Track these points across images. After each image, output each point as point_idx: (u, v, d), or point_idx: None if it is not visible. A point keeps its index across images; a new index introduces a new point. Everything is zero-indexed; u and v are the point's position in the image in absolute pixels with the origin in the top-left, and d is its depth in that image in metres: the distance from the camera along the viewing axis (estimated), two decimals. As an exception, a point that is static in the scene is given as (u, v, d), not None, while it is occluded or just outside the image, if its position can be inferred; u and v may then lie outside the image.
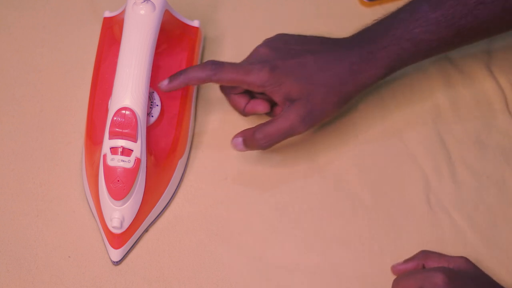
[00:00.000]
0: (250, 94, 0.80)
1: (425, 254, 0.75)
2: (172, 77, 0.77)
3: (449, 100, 0.86)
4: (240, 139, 0.77)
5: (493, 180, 0.82)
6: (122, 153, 0.72)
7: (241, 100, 0.80)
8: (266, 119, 0.78)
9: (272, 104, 0.80)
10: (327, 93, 0.76)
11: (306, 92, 0.75)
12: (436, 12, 0.75)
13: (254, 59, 0.77)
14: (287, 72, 0.75)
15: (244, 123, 0.84)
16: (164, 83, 0.77)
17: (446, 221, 0.79)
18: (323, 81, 0.75)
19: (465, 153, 0.83)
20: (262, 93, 0.79)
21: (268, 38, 0.80)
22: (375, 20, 0.79)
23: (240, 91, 0.79)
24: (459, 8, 0.75)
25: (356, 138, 0.83)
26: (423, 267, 0.74)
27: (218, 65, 0.76)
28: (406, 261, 0.75)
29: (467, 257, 0.73)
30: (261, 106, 0.79)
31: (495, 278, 0.75)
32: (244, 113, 0.80)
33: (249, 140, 0.77)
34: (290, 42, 0.78)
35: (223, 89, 0.81)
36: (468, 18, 0.75)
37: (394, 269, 0.76)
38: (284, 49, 0.77)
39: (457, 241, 0.78)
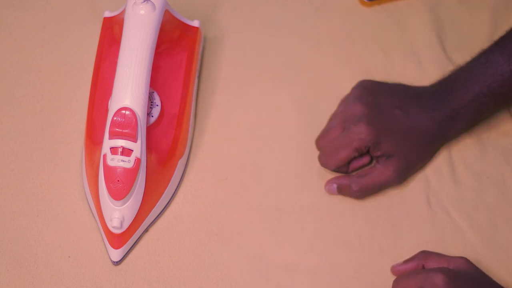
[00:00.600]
0: None
1: (425, 254, 0.75)
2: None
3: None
4: (334, 186, 0.79)
5: (493, 180, 0.82)
6: (122, 153, 0.72)
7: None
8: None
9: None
10: (420, 149, 0.80)
11: (402, 149, 0.78)
12: (511, 65, 0.77)
13: (352, 120, 0.79)
14: (384, 128, 0.78)
15: (245, 123, 0.84)
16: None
17: (446, 221, 0.79)
18: (416, 138, 0.79)
19: (465, 153, 0.83)
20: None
21: (355, 92, 0.81)
22: (451, 70, 0.81)
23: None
24: None
25: (356, 138, 0.84)
26: (423, 267, 0.74)
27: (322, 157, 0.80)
28: (406, 261, 0.75)
29: (467, 257, 0.73)
30: (366, 159, 0.81)
31: (495, 278, 0.75)
32: (348, 170, 0.81)
33: (344, 189, 0.79)
34: (379, 95, 0.80)
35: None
36: None
37: (394, 269, 0.76)
38: (376, 104, 0.79)
39: (457, 241, 0.78)
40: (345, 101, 0.82)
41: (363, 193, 0.79)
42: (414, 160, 0.80)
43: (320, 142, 0.81)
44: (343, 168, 0.80)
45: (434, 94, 0.80)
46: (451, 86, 0.80)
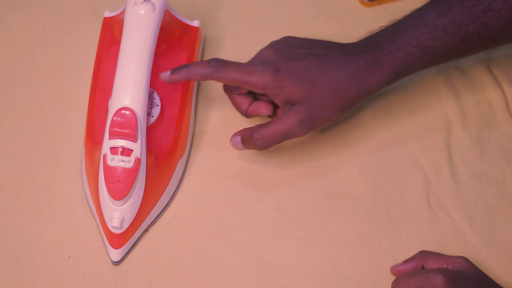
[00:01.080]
0: (253, 96, 0.80)
1: (424, 254, 0.75)
2: (174, 70, 0.76)
3: (449, 101, 0.86)
4: (238, 138, 0.77)
5: (493, 180, 0.82)
6: (122, 153, 0.72)
7: (244, 101, 0.79)
8: (267, 120, 0.78)
9: (275, 106, 0.80)
10: (329, 98, 0.75)
11: (307, 96, 0.75)
12: (444, 18, 0.75)
13: (258, 61, 0.77)
14: (290, 75, 0.75)
15: (244, 124, 0.84)
16: (166, 74, 0.76)
17: (446, 221, 0.79)
18: (325, 85, 0.75)
19: (465, 153, 0.83)
20: (264, 95, 0.78)
21: (274, 41, 0.80)
22: (381, 26, 0.79)
23: (243, 92, 0.79)
24: (466, 15, 0.75)
25: (357, 138, 0.83)
26: (422, 267, 0.74)
27: (221, 63, 0.76)
28: (405, 261, 0.75)
29: (467, 257, 0.73)
30: (264, 108, 0.79)
31: (494, 278, 0.75)
32: (246, 114, 0.80)
33: (247, 140, 0.77)
34: (295, 45, 0.78)
35: (226, 88, 0.80)
36: (475, 25, 0.75)
37: (393, 270, 0.76)
38: (289, 52, 0.77)
39: (457, 241, 0.78)
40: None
41: (265, 142, 0.76)
42: (321, 110, 0.75)
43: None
44: (242, 105, 0.79)
45: (357, 46, 0.77)
46: (378, 37, 0.77)
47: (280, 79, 0.74)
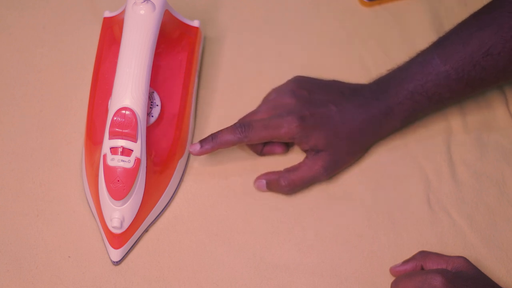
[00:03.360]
0: None
1: (423, 254, 0.75)
2: (203, 142, 0.78)
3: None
4: (263, 182, 0.79)
5: (493, 180, 0.82)
6: (122, 153, 0.72)
7: (259, 145, 0.81)
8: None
9: (287, 145, 0.82)
10: (350, 146, 0.80)
11: (331, 144, 0.78)
12: (446, 65, 0.77)
13: (281, 110, 0.78)
14: (315, 125, 0.78)
15: (244, 123, 0.84)
16: (196, 148, 0.78)
17: (446, 221, 0.79)
18: (347, 134, 0.79)
19: (465, 153, 0.83)
20: None
21: (289, 85, 0.81)
22: (389, 70, 0.81)
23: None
24: (468, 61, 0.77)
25: (356, 138, 0.84)
26: (422, 268, 0.74)
27: (248, 127, 0.77)
28: (405, 262, 0.75)
29: (467, 257, 0.73)
30: (278, 148, 0.81)
31: (494, 278, 0.75)
32: (261, 154, 0.82)
33: (273, 184, 0.79)
34: (313, 90, 0.80)
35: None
36: (476, 69, 0.77)
37: (392, 270, 0.76)
38: (309, 100, 0.79)
39: (457, 241, 0.78)
40: (277, 91, 0.82)
41: (292, 188, 0.79)
42: (343, 156, 0.80)
43: (245, 118, 0.80)
44: (257, 148, 0.81)
45: (369, 92, 0.81)
46: (386, 84, 0.80)
47: (307, 129, 0.77)
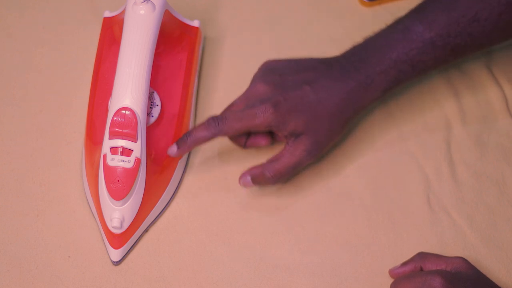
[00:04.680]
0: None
1: (422, 256, 0.75)
2: (179, 142, 0.76)
3: (449, 100, 0.86)
4: (248, 178, 0.77)
5: (493, 180, 0.82)
6: (122, 153, 0.72)
7: (241, 137, 0.80)
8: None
9: (272, 134, 0.80)
10: (330, 124, 0.77)
11: (310, 126, 0.76)
12: (431, 32, 0.76)
13: (254, 99, 0.77)
14: (290, 109, 0.75)
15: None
16: (174, 150, 0.76)
17: (446, 221, 0.79)
18: (324, 112, 0.76)
19: (465, 153, 0.83)
20: None
21: (260, 72, 0.79)
22: (365, 37, 0.79)
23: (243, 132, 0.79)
24: (453, 27, 0.75)
25: (357, 138, 0.83)
26: (421, 269, 0.74)
27: (221, 120, 0.76)
28: (403, 264, 0.75)
29: (466, 257, 0.73)
30: (263, 140, 0.80)
31: (494, 278, 0.75)
32: (245, 147, 0.81)
33: (259, 178, 0.77)
34: (284, 72, 0.78)
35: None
36: (462, 36, 0.76)
37: (391, 272, 0.76)
38: (281, 82, 0.77)
39: (457, 241, 0.78)
40: (251, 81, 0.80)
41: (278, 177, 0.77)
42: (324, 136, 0.77)
43: (223, 112, 0.78)
44: (240, 141, 0.79)
45: (346, 62, 0.78)
46: (365, 52, 0.78)
47: (282, 115, 0.75)
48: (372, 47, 0.78)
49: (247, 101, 0.77)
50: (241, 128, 0.76)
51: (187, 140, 0.76)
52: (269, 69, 0.79)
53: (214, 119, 0.76)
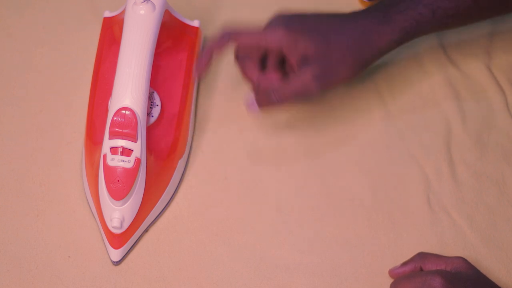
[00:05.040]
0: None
1: (422, 256, 0.75)
2: (198, 60, 0.76)
3: (449, 101, 0.86)
4: (253, 101, 0.76)
5: (493, 180, 0.82)
6: (122, 153, 0.72)
7: (254, 70, 0.78)
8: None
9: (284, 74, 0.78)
10: (343, 55, 0.75)
11: (322, 52, 0.74)
12: None
13: (268, 24, 0.76)
14: (303, 30, 0.74)
15: (244, 123, 0.84)
16: (196, 67, 0.77)
17: (446, 221, 0.79)
18: (338, 42, 0.74)
19: (465, 153, 0.83)
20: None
21: (277, 15, 0.77)
22: None
23: (255, 59, 0.77)
24: None
25: (356, 138, 0.84)
26: (421, 269, 0.74)
27: (234, 29, 0.75)
28: (403, 264, 0.75)
29: (466, 257, 0.73)
30: (274, 75, 0.77)
31: (494, 278, 0.75)
32: (257, 85, 0.77)
33: (264, 100, 0.75)
34: (298, 14, 0.76)
35: (238, 56, 0.79)
36: None
37: (391, 272, 0.76)
38: (298, 14, 0.76)
39: (457, 241, 0.78)
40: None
41: (281, 97, 0.75)
42: (333, 65, 0.75)
43: (235, 52, 0.77)
44: (252, 73, 0.77)
45: (369, 7, 0.77)
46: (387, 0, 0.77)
47: (294, 34, 0.73)
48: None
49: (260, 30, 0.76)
50: (251, 39, 0.74)
51: (203, 54, 0.76)
52: (282, 14, 0.77)
53: (226, 28, 0.75)
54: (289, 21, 0.75)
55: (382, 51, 0.77)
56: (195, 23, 0.84)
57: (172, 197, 0.80)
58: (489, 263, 0.77)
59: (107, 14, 0.83)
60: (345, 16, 0.77)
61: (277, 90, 0.75)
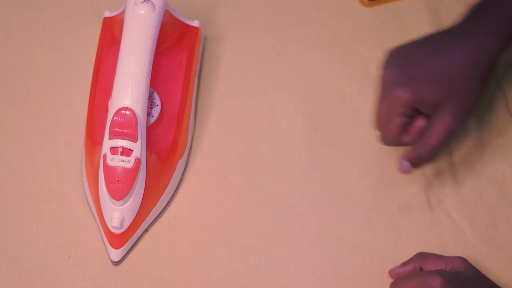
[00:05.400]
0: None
1: (422, 256, 0.75)
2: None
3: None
4: (406, 163, 0.76)
5: (493, 180, 0.82)
6: (122, 153, 0.72)
7: (403, 136, 0.77)
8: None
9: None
10: (468, 84, 0.74)
11: (447, 92, 0.73)
12: None
13: (387, 89, 0.75)
14: (419, 82, 0.73)
15: (244, 123, 0.84)
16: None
17: (446, 221, 0.79)
18: (457, 74, 0.73)
19: (465, 153, 0.83)
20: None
21: (385, 61, 0.78)
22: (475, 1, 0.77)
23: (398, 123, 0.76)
24: None
25: (356, 138, 0.84)
26: (421, 269, 0.74)
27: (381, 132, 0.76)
28: (403, 264, 0.75)
29: (466, 257, 0.73)
30: (420, 121, 0.76)
31: (494, 278, 0.75)
32: (412, 142, 0.76)
33: (415, 159, 0.75)
34: (405, 54, 0.76)
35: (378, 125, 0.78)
36: None
37: (391, 272, 0.76)
38: (404, 64, 0.75)
39: (457, 241, 0.78)
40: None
41: (434, 151, 0.74)
42: (466, 98, 0.74)
43: (375, 124, 0.78)
44: (405, 139, 0.76)
45: (463, 24, 0.76)
46: (481, 9, 0.76)
47: (415, 91, 0.73)
48: (489, 5, 0.76)
49: (382, 93, 0.76)
50: (394, 129, 0.75)
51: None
52: (392, 55, 0.77)
53: (381, 138, 0.76)
54: (402, 78, 0.74)
55: (497, 58, 0.76)
56: (195, 23, 0.84)
57: (172, 197, 0.79)
58: (489, 263, 0.77)
59: (107, 14, 0.83)
60: (448, 43, 0.75)
61: (423, 145, 0.74)
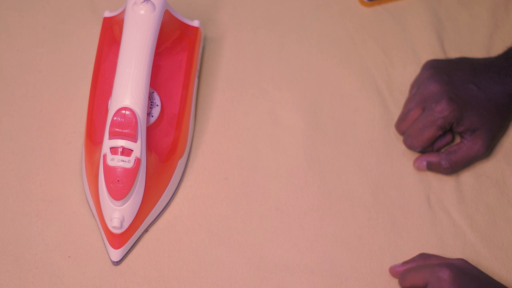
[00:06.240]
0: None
1: (423, 256, 0.75)
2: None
3: (449, 100, 0.86)
4: (424, 163, 0.80)
5: (493, 180, 0.82)
6: (122, 153, 0.72)
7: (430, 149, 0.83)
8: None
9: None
10: (500, 120, 0.81)
11: (485, 122, 0.79)
12: None
13: (430, 100, 0.80)
14: (464, 105, 0.79)
15: (244, 123, 0.84)
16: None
17: (446, 221, 0.79)
18: (494, 109, 0.80)
19: (465, 153, 0.83)
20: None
21: (426, 72, 0.83)
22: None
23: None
24: None
25: (356, 138, 0.83)
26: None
27: (406, 139, 0.81)
28: (405, 263, 0.75)
29: (466, 257, 0.74)
30: (448, 137, 0.82)
31: (494, 278, 0.75)
32: (433, 150, 0.82)
33: (434, 166, 0.80)
34: (449, 71, 0.82)
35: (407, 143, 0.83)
36: None
37: (392, 270, 0.76)
38: (450, 81, 0.80)
39: (457, 241, 0.78)
40: (418, 83, 0.83)
41: (454, 169, 0.80)
42: (496, 132, 0.81)
43: (402, 125, 0.82)
44: (429, 148, 0.81)
45: (501, 68, 0.82)
46: None
47: (459, 111, 0.79)
48: None
49: (424, 103, 0.80)
50: (430, 138, 0.80)
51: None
52: (434, 67, 0.82)
53: (406, 140, 0.81)
54: (450, 95, 0.79)
55: None
56: (195, 23, 0.84)
57: (172, 197, 0.80)
58: (489, 263, 0.77)
59: (107, 14, 0.83)
60: (489, 81, 0.81)
61: (448, 159, 0.80)
